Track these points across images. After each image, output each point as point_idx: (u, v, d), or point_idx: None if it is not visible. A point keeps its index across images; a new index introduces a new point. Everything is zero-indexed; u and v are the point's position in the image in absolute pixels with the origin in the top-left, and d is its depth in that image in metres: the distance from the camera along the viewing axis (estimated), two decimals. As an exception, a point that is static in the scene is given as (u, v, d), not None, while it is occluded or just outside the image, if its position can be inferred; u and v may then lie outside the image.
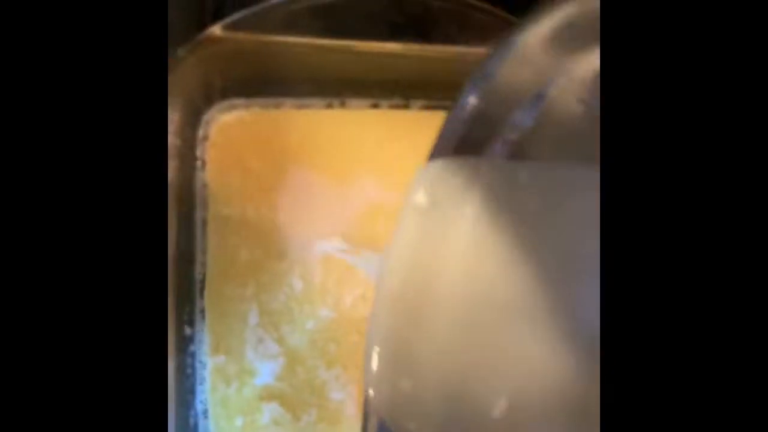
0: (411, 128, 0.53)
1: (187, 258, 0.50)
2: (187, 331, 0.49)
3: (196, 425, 0.49)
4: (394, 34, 0.47)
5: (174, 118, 0.48)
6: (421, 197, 0.31)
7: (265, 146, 0.52)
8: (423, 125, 0.55)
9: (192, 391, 0.49)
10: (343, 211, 0.52)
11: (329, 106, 0.53)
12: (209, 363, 0.49)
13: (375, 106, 0.54)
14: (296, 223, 0.51)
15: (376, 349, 0.31)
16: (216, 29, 0.45)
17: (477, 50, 0.48)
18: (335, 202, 0.52)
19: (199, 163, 0.51)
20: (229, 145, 0.51)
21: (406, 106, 0.54)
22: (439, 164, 0.32)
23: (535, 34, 0.32)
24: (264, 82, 0.52)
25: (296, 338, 0.50)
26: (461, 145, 0.33)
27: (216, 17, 0.53)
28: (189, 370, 0.49)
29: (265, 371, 0.50)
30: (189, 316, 0.49)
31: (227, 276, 0.50)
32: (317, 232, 0.51)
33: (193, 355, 0.49)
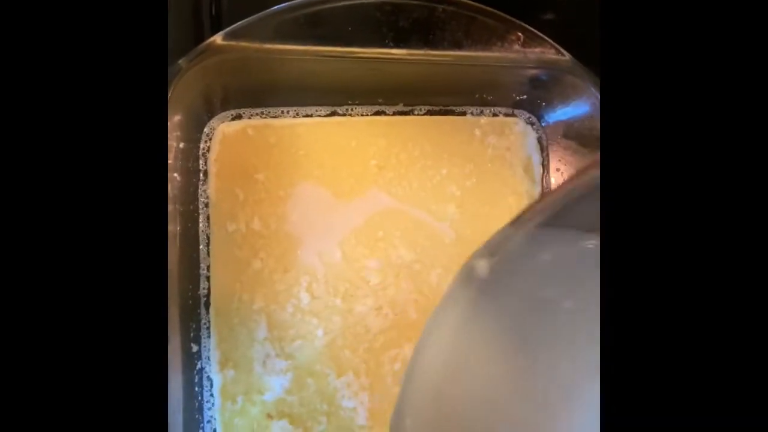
0: (417, 134, 0.53)
1: (191, 274, 0.49)
2: (194, 347, 0.48)
3: (204, 444, 0.48)
4: (398, 40, 0.46)
5: (175, 131, 0.47)
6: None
7: (270, 157, 0.51)
8: (430, 130, 0.55)
9: (200, 410, 0.48)
10: (351, 221, 0.51)
11: (333, 114, 0.52)
12: (217, 380, 0.48)
13: (379, 113, 0.53)
14: (304, 234, 0.50)
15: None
16: (217, 38, 0.44)
17: (482, 54, 0.47)
18: (343, 211, 0.51)
19: (201, 176, 0.50)
20: (232, 157, 0.51)
21: (410, 113, 0.54)
22: None
23: None
24: (266, 91, 0.51)
25: (305, 350, 0.49)
26: None
27: (214, 28, 0.53)
28: (197, 388, 0.48)
29: (275, 385, 0.49)
30: (195, 332, 0.48)
31: (233, 291, 0.49)
32: (325, 243, 0.51)
33: (200, 372, 0.48)
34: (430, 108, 0.54)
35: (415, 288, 0.51)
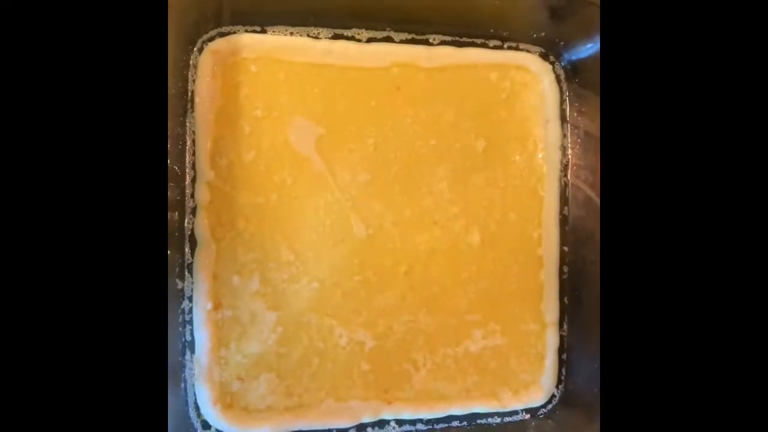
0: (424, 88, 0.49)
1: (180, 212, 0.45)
2: (179, 284, 0.44)
3: (185, 389, 0.44)
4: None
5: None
6: None
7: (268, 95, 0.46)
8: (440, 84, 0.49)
9: (183, 353, 0.44)
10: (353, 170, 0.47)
11: (336, 37, 0.47)
12: (204, 319, 0.44)
13: (388, 39, 0.48)
14: (305, 180, 0.46)
15: None
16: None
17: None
18: (344, 158, 0.47)
19: (189, 105, 0.45)
20: (224, 84, 0.46)
21: (424, 42, 0.49)
22: None
23: None
24: (267, 10, 0.46)
25: (299, 296, 0.46)
26: None
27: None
28: (181, 328, 0.44)
29: (264, 334, 0.45)
30: (180, 269, 0.44)
31: (224, 229, 0.45)
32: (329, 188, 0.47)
33: (187, 310, 0.44)
34: (443, 38, 0.49)
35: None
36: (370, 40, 0.48)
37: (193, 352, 0.44)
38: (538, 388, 0.50)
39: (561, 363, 0.51)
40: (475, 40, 0.50)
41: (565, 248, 0.51)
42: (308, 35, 0.47)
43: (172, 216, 0.44)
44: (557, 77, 0.51)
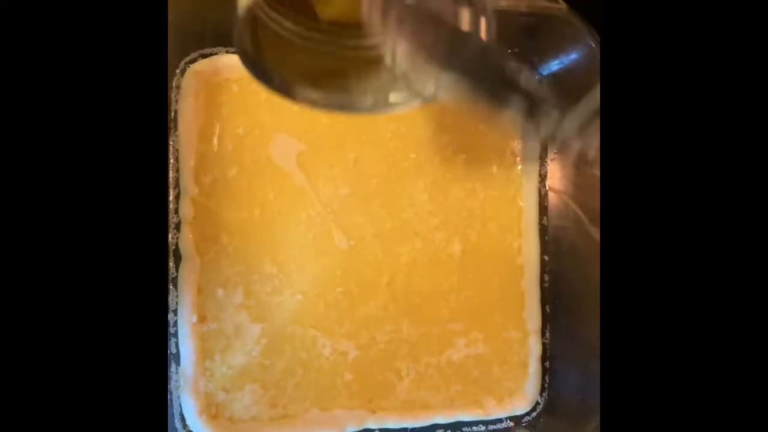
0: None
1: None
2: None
3: (171, 401, 0.45)
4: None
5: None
6: None
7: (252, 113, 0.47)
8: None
9: (169, 366, 0.45)
10: (334, 184, 0.48)
11: (317, 56, 0.49)
12: (189, 332, 0.45)
13: (366, 57, 0.50)
14: (287, 195, 0.48)
15: None
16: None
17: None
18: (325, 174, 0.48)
19: (172, 124, 0.47)
20: (206, 103, 0.47)
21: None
22: None
23: None
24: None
25: (283, 307, 0.47)
26: None
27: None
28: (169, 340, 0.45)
29: (248, 346, 0.46)
30: (167, 284, 0.45)
31: (208, 243, 0.46)
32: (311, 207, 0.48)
33: (172, 323, 0.45)
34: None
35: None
36: (349, 59, 0.50)
37: (178, 364, 0.45)
38: (521, 396, 0.51)
39: (544, 371, 0.52)
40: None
41: (546, 257, 0.52)
42: (287, 55, 0.49)
43: (158, 232, 0.45)
44: (532, 93, 0.53)
